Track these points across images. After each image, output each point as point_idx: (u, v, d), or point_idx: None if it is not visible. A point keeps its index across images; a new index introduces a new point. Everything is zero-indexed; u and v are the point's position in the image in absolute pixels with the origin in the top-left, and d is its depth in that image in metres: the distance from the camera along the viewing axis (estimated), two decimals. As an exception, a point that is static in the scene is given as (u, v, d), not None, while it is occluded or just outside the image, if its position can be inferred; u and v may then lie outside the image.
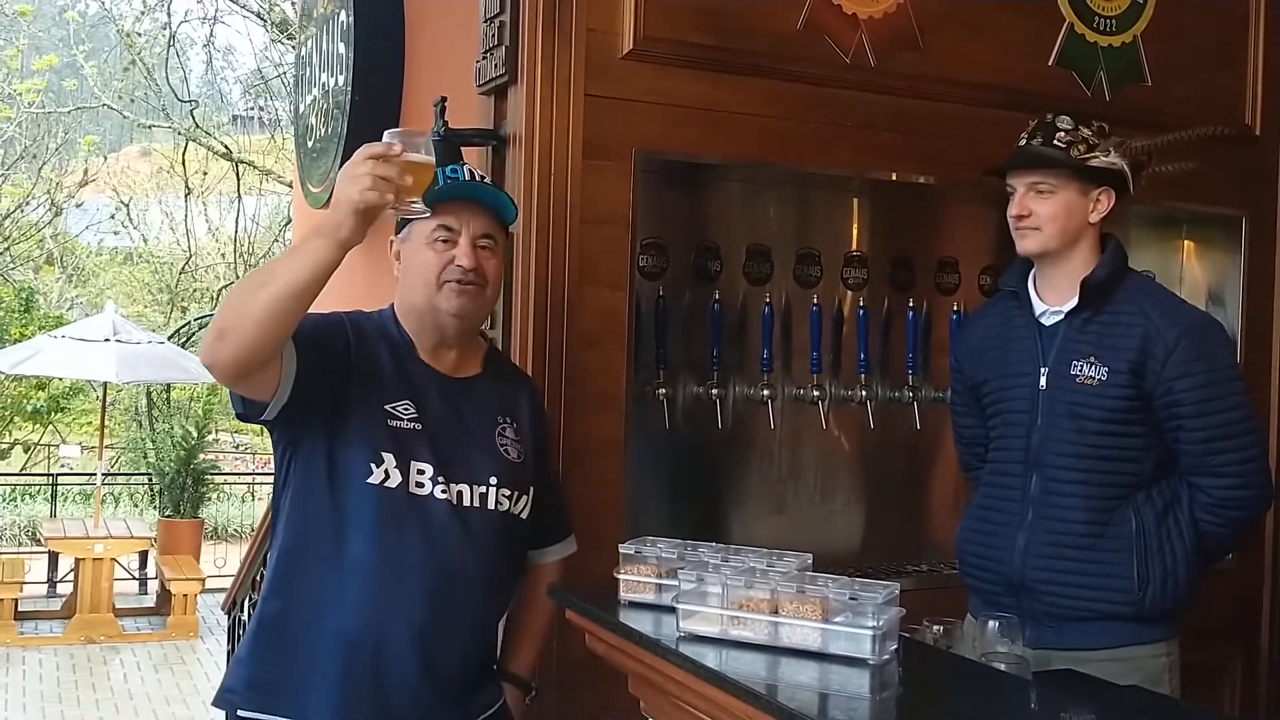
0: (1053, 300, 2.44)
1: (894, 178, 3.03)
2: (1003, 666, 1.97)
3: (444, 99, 2.78)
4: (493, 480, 2.11)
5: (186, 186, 16.77)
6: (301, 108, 4.99)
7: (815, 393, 3.06)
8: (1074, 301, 2.39)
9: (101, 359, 9.13)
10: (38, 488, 13.28)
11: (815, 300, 3.09)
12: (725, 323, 3.00)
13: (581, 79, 2.66)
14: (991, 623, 2.12)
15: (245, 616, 4.83)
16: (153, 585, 9.77)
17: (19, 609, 8.56)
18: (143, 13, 16.94)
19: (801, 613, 1.76)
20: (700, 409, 3.00)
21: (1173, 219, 3.49)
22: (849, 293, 3.19)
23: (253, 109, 18.86)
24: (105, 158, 18.61)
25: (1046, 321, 2.44)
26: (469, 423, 2.14)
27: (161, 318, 16.90)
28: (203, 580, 8.95)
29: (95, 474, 10.53)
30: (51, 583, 9.74)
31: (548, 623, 2.32)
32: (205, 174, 16.78)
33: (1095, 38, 3.21)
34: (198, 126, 16.13)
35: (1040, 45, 3.16)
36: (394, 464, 2.03)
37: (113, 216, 17.80)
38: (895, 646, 1.77)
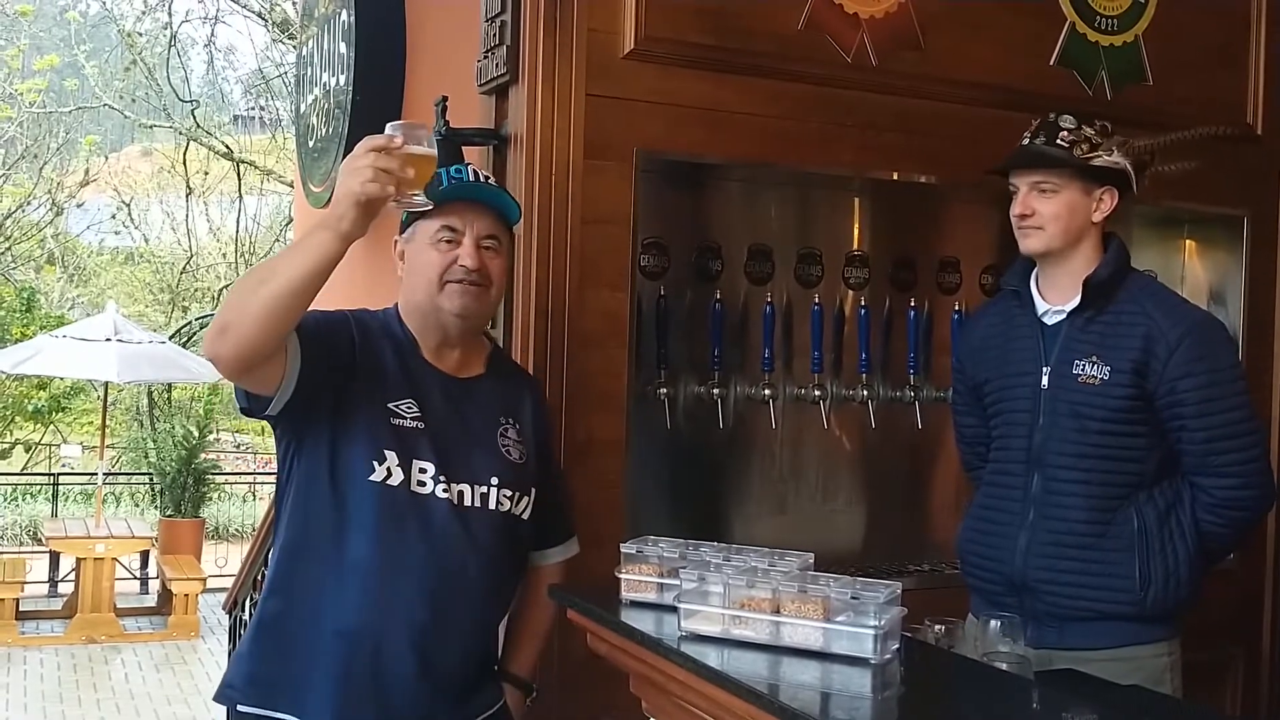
0: (1055, 299, 2.44)
1: (895, 177, 3.03)
2: (1004, 666, 1.98)
3: (445, 98, 2.78)
4: (494, 480, 2.11)
5: (188, 186, 16.80)
6: (303, 107, 5.00)
7: (816, 392, 3.06)
8: (1076, 301, 2.39)
9: (103, 359, 9.13)
10: (39, 487, 13.28)
11: (816, 300, 3.08)
12: (726, 322, 3.00)
13: (583, 79, 2.66)
14: (993, 622, 2.12)
15: (246, 616, 4.82)
16: (154, 585, 9.78)
17: (20, 609, 8.56)
18: (144, 12, 16.97)
19: (803, 612, 1.76)
20: (701, 409, 2.99)
21: (1174, 219, 3.49)
22: (850, 292, 3.19)
23: (254, 109, 18.90)
24: (106, 157, 18.63)
25: (1049, 321, 2.44)
26: (471, 423, 2.14)
27: (163, 317, 16.92)
28: (204, 580, 8.95)
29: (96, 474, 10.53)
30: (53, 582, 9.74)
31: (549, 624, 2.31)
32: (206, 174, 16.81)
33: (1097, 37, 3.21)
34: (199, 126, 16.15)
35: (1041, 45, 3.16)
36: (396, 462, 2.03)
37: (114, 216, 17.83)
38: (897, 646, 1.77)
